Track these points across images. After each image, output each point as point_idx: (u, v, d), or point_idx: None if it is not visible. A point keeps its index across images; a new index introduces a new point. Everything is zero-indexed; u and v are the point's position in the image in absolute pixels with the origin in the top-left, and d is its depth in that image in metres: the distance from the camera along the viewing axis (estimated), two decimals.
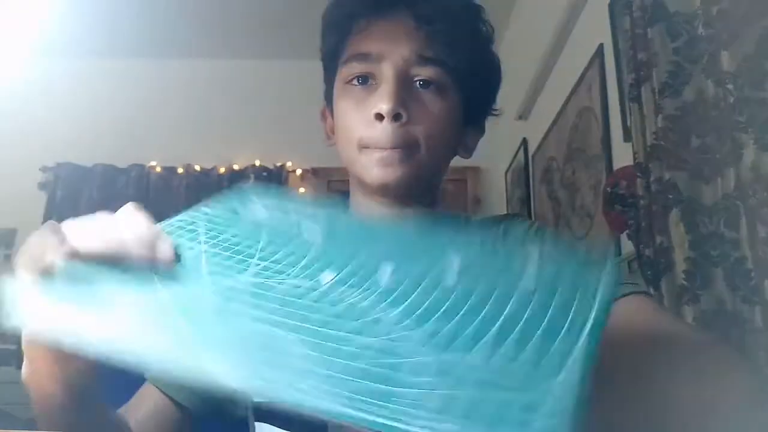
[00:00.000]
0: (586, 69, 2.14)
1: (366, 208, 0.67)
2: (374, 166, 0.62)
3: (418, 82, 0.64)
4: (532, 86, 2.74)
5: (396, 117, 0.61)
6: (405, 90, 0.62)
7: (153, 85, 3.54)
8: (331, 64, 0.70)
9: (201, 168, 3.41)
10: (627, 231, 1.55)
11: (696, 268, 1.07)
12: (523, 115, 2.94)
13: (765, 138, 0.97)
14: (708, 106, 1.11)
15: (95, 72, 3.52)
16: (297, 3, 2.91)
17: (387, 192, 0.65)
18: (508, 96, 3.20)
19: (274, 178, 3.38)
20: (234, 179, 3.38)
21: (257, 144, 3.35)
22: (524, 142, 2.96)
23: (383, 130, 0.61)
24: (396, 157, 0.62)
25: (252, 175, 3.37)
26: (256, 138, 3.34)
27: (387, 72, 0.63)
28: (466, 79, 0.66)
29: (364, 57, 0.64)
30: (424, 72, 0.63)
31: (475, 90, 0.68)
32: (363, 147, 0.63)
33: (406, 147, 0.62)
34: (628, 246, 1.64)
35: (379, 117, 0.61)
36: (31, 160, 3.35)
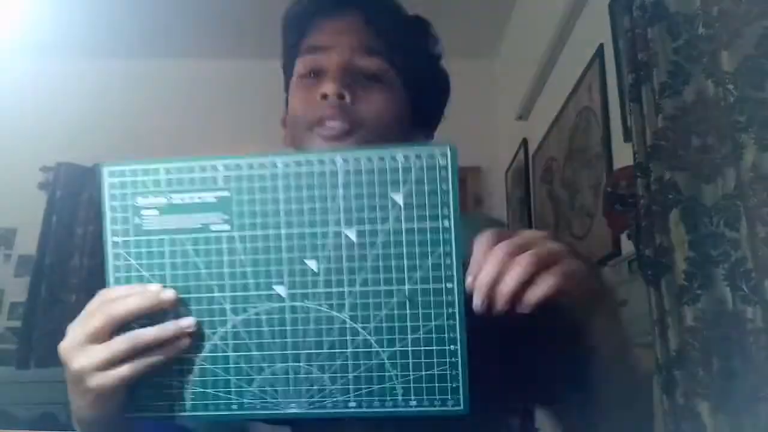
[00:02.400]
0: (586, 69, 2.14)
1: None
2: (323, 143, 0.67)
3: (362, 76, 0.69)
4: (532, 86, 2.73)
5: (339, 96, 0.66)
6: (350, 78, 0.68)
7: (153, 85, 3.54)
8: (289, 63, 0.75)
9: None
10: (627, 231, 1.55)
11: (696, 268, 1.07)
12: (523, 115, 2.94)
13: (765, 138, 0.97)
14: (708, 106, 1.11)
15: (95, 72, 3.51)
16: None
17: None
18: (508, 96, 3.21)
19: None
20: None
21: (257, 144, 3.35)
22: (524, 142, 2.96)
23: (328, 105, 0.67)
24: (340, 129, 0.66)
25: None
26: (256, 138, 3.33)
27: (333, 61, 0.68)
28: (411, 79, 0.71)
29: (314, 49, 0.70)
30: (367, 63, 0.68)
31: (422, 93, 0.73)
32: (312, 126, 0.68)
33: (351, 123, 0.66)
34: (628, 246, 1.64)
35: (324, 97, 0.67)
36: (31, 160, 3.35)
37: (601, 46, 2.02)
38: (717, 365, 1.02)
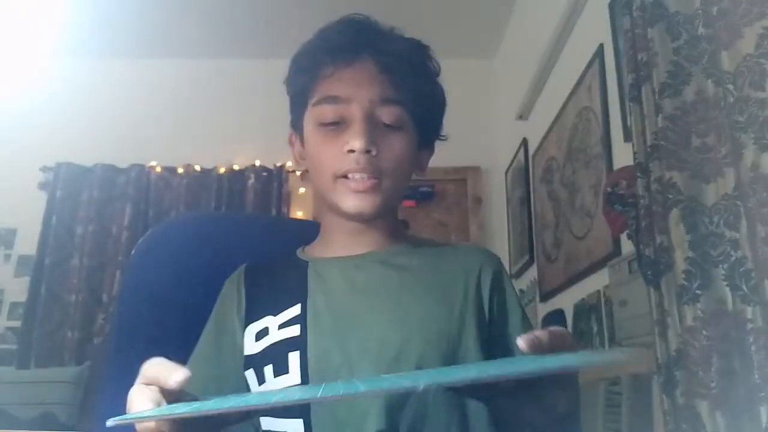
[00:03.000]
0: (586, 69, 2.14)
1: (337, 226, 0.78)
2: (350, 195, 0.72)
3: (382, 124, 0.73)
4: (532, 86, 2.74)
5: (366, 152, 0.71)
6: (372, 130, 0.72)
7: (153, 85, 3.54)
8: (299, 98, 0.79)
9: (201, 168, 3.41)
10: (627, 231, 1.55)
11: (696, 268, 1.07)
12: (523, 115, 2.94)
13: (765, 138, 0.97)
14: (708, 106, 1.11)
15: (95, 72, 3.52)
16: (297, 3, 2.91)
17: (360, 218, 0.75)
18: (508, 96, 3.21)
19: (274, 178, 3.38)
20: (234, 179, 3.39)
21: (257, 144, 3.35)
22: (524, 142, 2.96)
23: (356, 160, 0.71)
24: (368, 185, 0.72)
25: (252, 175, 3.37)
26: (256, 138, 3.34)
27: (356, 113, 0.72)
28: (420, 114, 0.76)
29: (334, 99, 0.73)
30: (387, 112, 0.73)
31: (427, 120, 0.79)
32: (338, 177, 0.73)
33: (377, 175, 0.72)
34: (628, 246, 1.64)
35: (352, 152, 0.71)
36: (31, 160, 3.35)
37: (601, 46, 2.02)
38: (717, 365, 1.02)
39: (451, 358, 0.68)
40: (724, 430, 0.99)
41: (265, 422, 0.69)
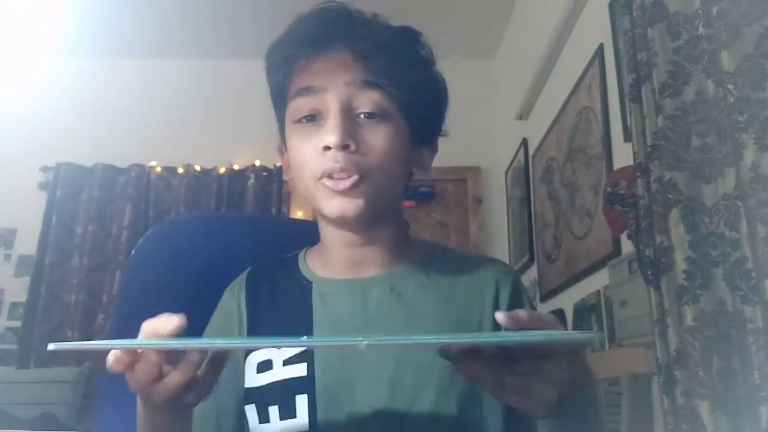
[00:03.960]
0: (586, 69, 2.14)
1: (333, 237, 0.71)
2: (332, 197, 0.65)
3: (361, 115, 0.66)
4: (532, 86, 2.74)
5: (344, 147, 0.64)
6: (350, 122, 0.65)
7: (153, 85, 3.54)
8: (279, 102, 0.72)
9: (201, 168, 3.41)
10: (627, 231, 1.55)
11: (696, 268, 1.07)
12: (523, 115, 2.94)
13: (765, 138, 0.97)
14: (708, 106, 1.11)
15: (95, 72, 3.52)
16: (297, 3, 2.90)
17: (344, 223, 0.68)
18: (508, 96, 3.21)
19: (274, 178, 3.38)
20: (234, 179, 3.39)
21: (257, 144, 3.35)
22: (524, 142, 2.96)
23: (333, 157, 0.64)
24: (348, 184, 0.64)
25: (252, 175, 3.38)
26: (256, 138, 3.33)
27: (332, 104, 0.65)
28: (408, 102, 0.68)
29: (307, 90, 0.67)
30: (365, 99, 0.66)
31: (421, 112, 0.70)
32: (317, 179, 0.66)
33: (359, 172, 0.64)
34: (628, 246, 1.64)
35: (328, 149, 0.64)
36: (31, 160, 3.35)
37: (601, 46, 2.02)
38: (717, 365, 1.02)
39: (467, 400, 0.64)
40: (724, 430, 0.99)
41: (271, 373, 0.68)
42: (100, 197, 3.35)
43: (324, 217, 0.69)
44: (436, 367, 0.64)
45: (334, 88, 0.66)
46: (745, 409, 0.97)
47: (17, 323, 3.16)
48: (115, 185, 3.39)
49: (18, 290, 3.22)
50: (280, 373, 0.67)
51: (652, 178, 1.17)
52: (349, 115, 0.66)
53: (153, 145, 3.41)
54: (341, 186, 0.64)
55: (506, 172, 3.31)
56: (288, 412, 0.65)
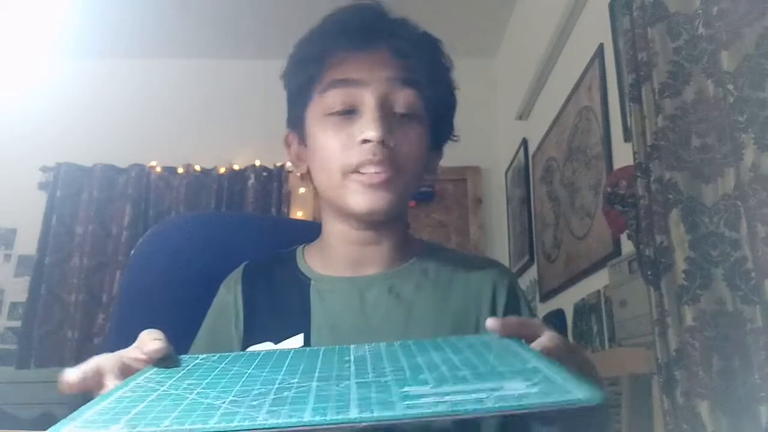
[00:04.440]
0: (586, 69, 2.14)
1: (341, 235, 0.71)
2: (361, 191, 0.65)
3: (396, 113, 0.67)
4: (532, 86, 2.74)
5: (382, 142, 0.64)
6: (388, 118, 0.65)
7: (153, 85, 3.54)
8: (302, 91, 0.71)
9: (201, 168, 3.41)
10: (627, 231, 1.55)
11: (696, 268, 1.07)
12: (523, 115, 2.94)
13: (765, 138, 0.97)
14: (708, 106, 1.11)
15: (95, 72, 3.52)
16: (297, 3, 2.91)
17: (371, 218, 0.67)
18: (508, 96, 3.21)
19: (274, 178, 3.38)
20: (234, 179, 3.39)
21: (257, 144, 3.35)
22: (524, 142, 2.96)
23: (371, 151, 0.64)
24: (383, 178, 0.64)
25: (252, 175, 3.37)
26: (256, 138, 3.34)
27: (369, 99, 0.65)
28: (435, 105, 0.70)
29: (345, 83, 0.66)
30: (402, 98, 0.66)
31: (440, 117, 0.72)
32: (348, 172, 0.65)
33: (393, 169, 0.65)
34: (628, 246, 1.64)
35: (366, 142, 0.64)
36: (31, 160, 3.35)
37: (601, 46, 2.02)
38: (717, 365, 1.02)
39: None
40: (724, 430, 0.99)
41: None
42: (100, 197, 3.35)
43: (347, 213, 0.68)
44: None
45: (374, 83, 0.66)
46: (745, 409, 0.97)
47: (17, 323, 3.16)
48: (115, 185, 3.39)
49: (18, 290, 3.22)
50: None
51: (652, 178, 1.17)
52: (386, 111, 0.66)
53: (153, 145, 3.41)
54: (376, 180, 0.64)
55: (506, 172, 3.31)
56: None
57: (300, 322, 0.68)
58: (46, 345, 3.07)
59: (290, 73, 0.73)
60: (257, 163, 3.39)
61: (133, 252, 0.91)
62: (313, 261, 0.75)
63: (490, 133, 3.44)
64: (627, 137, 1.76)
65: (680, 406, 1.06)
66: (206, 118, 3.48)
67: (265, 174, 3.39)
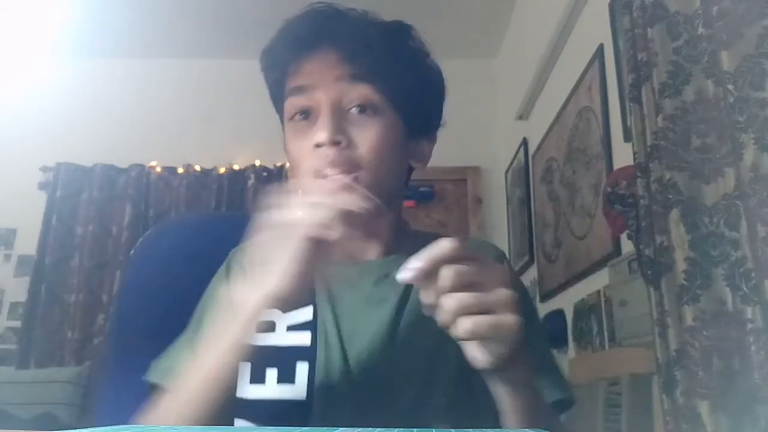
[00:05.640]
0: (586, 69, 2.14)
1: None
2: (327, 192, 0.65)
3: (353, 109, 0.67)
4: (532, 86, 2.74)
5: (335, 144, 0.65)
6: (341, 118, 0.67)
7: (153, 85, 3.54)
8: (277, 102, 0.74)
9: (201, 168, 3.41)
10: (627, 231, 1.55)
11: (696, 268, 1.07)
12: (523, 115, 2.94)
13: (765, 138, 0.97)
14: (708, 106, 1.11)
15: (95, 72, 3.52)
16: (297, 3, 2.91)
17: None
18: (508, 96, 3.21)
19: (274, 178, 3.38)
20: (234, 179, 3.39)
21: (257, 144, 3.35)
22: (524, 142, 2.96)
23: (324, 155, 0.65)
24: (342, 180, 0.64)
25: (252, 175, 3.38)
26: (256, 138, 3.34)
27: (322, 101, 0.67)
28: (399, 96, 0.69)
29: (299, 90, 0.69)
30: (356, 94, 0.67)
31: (415, 104, 0.71)
32: (310, 175, 0.67)
33: (351, 169, 0.65)
34: (628, 246, 1.64)
35: (319, 146, 0.66)
36: (31, 160, 3.35)
37: (601, 46, 2.02)
38: (717, 365, 1.02)
39: (455, 380, 0.66)
40: (724, 430, 0.99)
41: (273, 335, 0.68)
42: (100, 197, 3.35)
43: None
44: (422, 354, 0.67)
45: (324, 86, 0.67)
46: (745, 409, 0.97)
47: (17, 323, 3.16)
48: (115, 185, 3.39)
49: (18, 290, 3.22)
50: (283, 338, 0.68)
51: (652, 178, 1.17)
52: (339, 111, 0.67)
53: (153, 145, 3.41)
54: (335, 183, 0.64)
55: (506, 172, 3.31)
56: (287, 376, 0.66)
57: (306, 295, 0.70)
58: (46, 345, 3.07)
59: (265, 81, 0.76)
60: (257, 163, 3.39)
61: (132, 252, 0.91)
62: None
63: (490, 133, 3.44)
64: (627, 137, 1.76)
65: (680, 406, 1.06)
66: (206, 118, 3.48)
67: (265, 174, 3.39)
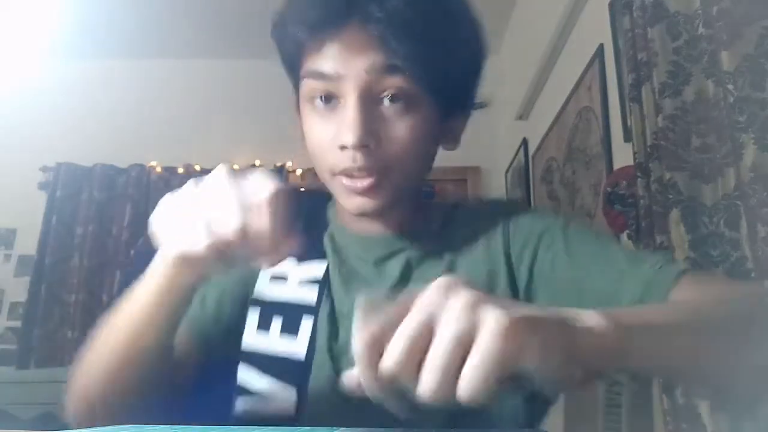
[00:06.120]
0: (586, 69, 2.14)
1: (348, 214, 0.68)
2: (349, 195, 0.61)
3: (385, 98, 0.59)
4: (532, 86, 2.74)
5: (362, 146, 0.58)
6: (371, 114, 0.59)
7: (153, 85, 3.54)
8: (291, 69, 0.66)
9: (201, 168, 3.41)
10: (627, 231, 1.55)
11: (696, 268, 1.07)
12: (523, 115, 2.94)
13: (765, 138, 0.97)
14: (708, 106, 1.11)
15: (95, 72, 3.52)
16: None
17: (365, 216, 0.64)
18: (508, 96, 3.21)
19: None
20: None
21: (257, 144, 3.35)
22: (524, 142, 2.96)
23: (351, 157, 0.58)
24: (366, 185, 0.59)
25: None
26: (256, 138, 3.34)
27: (349, 92, 0.58)
28: (437, 81, 0.60)
29: (320, 75, 0.60)
30: (388, 83, 0.59)
31: (454, 84, 0.63)
32: (334, 173, 0.61)
33: (377, 173, 0.59)
34: (628, 246, 1.64)
35: (343, 147, 0.59)
36: (31, 160, 3.35)
37: (601, 46, 2.02)
38: None
39: None
40: (724, 430, 0.99)
41: (285, 287, 0.68)
42: (100, 197, 3.34)
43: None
44: None
45: (352, 76, 0.58)
46: (745, 409, 0.97)
47: (17, 323, 3.16)
48: (115, 185, 3.38)
49: (18, 290, 3.22)
50: (294, 292, 0.67)
51: (652, 178, 1.17)
52: (369, 101, 0.59)
53: (153, 145, 3.41)
54: (359, 186, 0.60)
55: (506, 172, 3.31)
56: (290, 329, 0.65)
57: (319, 251, 0.70)
58: (46, 345, 3.06)
59: (276, 43, 0.66)
60: (257, 163, 3.39)
61: (133, 252, 0.91)
62: (332, 212, 0.75)
63: (490, 133, 3.44)
64: (627, 137, 1.76)
65: (680, 406, 1.06)
66: (206, 118, 3.48)
67: None
